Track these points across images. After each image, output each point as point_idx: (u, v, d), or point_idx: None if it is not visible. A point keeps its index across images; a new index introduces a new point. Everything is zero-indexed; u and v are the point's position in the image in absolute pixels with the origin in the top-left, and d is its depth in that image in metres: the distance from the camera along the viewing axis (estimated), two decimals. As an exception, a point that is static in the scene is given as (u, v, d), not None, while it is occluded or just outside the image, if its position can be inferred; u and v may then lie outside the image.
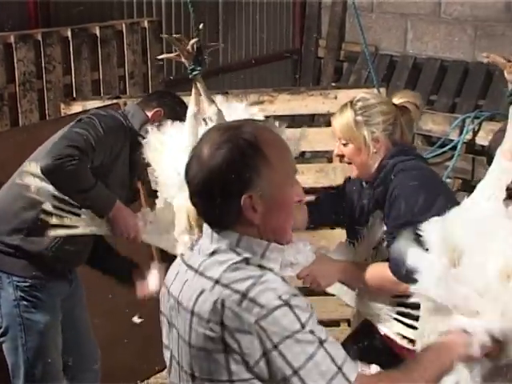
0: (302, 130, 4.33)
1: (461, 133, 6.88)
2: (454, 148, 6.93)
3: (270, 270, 2.45)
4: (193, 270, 2.50)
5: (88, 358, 4.51)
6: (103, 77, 6.79)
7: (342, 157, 3.87)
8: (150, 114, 4.16)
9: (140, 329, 5.37)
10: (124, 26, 6.91)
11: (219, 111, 3.82)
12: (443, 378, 2.59)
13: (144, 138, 4.07)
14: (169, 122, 4.00)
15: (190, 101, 3.86)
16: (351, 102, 3.81)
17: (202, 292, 2.40)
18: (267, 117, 4.51)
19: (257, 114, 4.16)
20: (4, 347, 4.18)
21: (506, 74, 2.81)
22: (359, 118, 3.76)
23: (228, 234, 2.48)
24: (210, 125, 3.73)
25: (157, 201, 4.08)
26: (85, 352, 4.48)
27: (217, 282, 2.38)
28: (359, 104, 3.81)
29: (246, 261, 2.43)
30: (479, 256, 2.68)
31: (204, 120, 3.83)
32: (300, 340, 2.31)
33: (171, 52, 3.93)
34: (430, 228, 2.79)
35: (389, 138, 3.77)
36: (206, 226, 2.55)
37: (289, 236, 2.58)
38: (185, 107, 4.04)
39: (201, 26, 3.85)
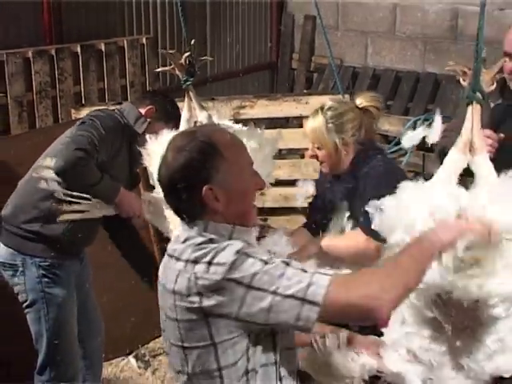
0: (278, 131, 4.32)
1: (413, 133, 6.95)
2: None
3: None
4: (172, 258, 2.52)
5: (94, 326, 4.54)
6: (108, 86, 6.84)
7: (315, 158, 3.88)
8: (143, 110, 4.15)
9: (139, 301, 5.41)
10: (125, 42, 6.97)
11: (209, 116, 3.84)
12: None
13: (138, 132, 4.07)
14: (164, 130, 3.93)
15: (184, 107, 3.86)
16: (322, 109, 3.81)
17: (178, 273, 2.43)
18: (248, 120, 4.53)
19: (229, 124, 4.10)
20: (28, 318, 4.18)
21: (461, 81, 2.85)
22: (330, 126, 3.77)
23: (196, 223, 2.50)
24: None
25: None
26: (92, 321, 4.50)
27: (187, 261, 2.42)
28: (330, 113, 3.81)
29: (211, 241, 2.44)
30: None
31: (195, 123, 3.83)
32: (267, 271, 2.31)
33: (166, 65, 3.94)
34: (390, 203, 2.81)
35: (356, 139, 3.83)
36: (179, 220, 2.59)
37: (253, 219, 2.61)
38: (174, 105, 4.07)
39: (192, 41, 3.89)
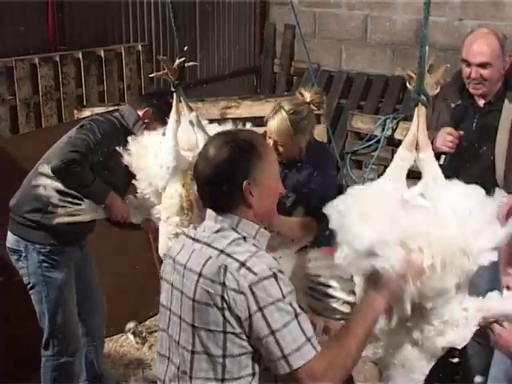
0: (263, 129, 4.35)
1: (383, 130, 6.99)
2: (378, 142, 7.05)
3: (263, 250, 2.50)
4: (200, 243, 2.53)
5: (96, 305, 4.57)
6: (107, 89, 6.83)
7: (275, 151, 3.95)
8: (141, 112, 4.14)
9: (137, 283, 5.41)
10: (123, 49, 6.96)
11: (197, 116, 3.81)
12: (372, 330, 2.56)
13: (136, 135, 4.02)
14: (146, 133, 3.96)
15: (172, 109, 3.80)
16: (284, 111, 3.86)
17: (209, 258, 2.45)
18: (234, 119, 4.54)
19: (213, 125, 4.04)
20: (32, 299, 4.24)
21: (407, 85, 2.86)
22: (296, 129, 3.86)
23: (230, 217, 2.52)
24: (191, 130, 3.79)
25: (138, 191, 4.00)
26: (94, 300, 4.53)
27: (222, 251, 2.44)
28: (294, 117, 3.87)
29: (244, 239, 2.47)
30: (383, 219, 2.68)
31: (191, 123, 3.79)
32: (280, 308, 2.33)
33: (159, 69, 3.94)
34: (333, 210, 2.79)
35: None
36: (209, 211, 2.58)
37: (276, 217, 2.70)
38: (170, 105, 3.97)
39: (185, 48, 3.92)
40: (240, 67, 8.97)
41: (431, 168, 2.85)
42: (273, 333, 2.33)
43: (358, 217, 2.68)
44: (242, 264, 2.37)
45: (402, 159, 2.86)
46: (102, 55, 6.73)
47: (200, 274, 2.45)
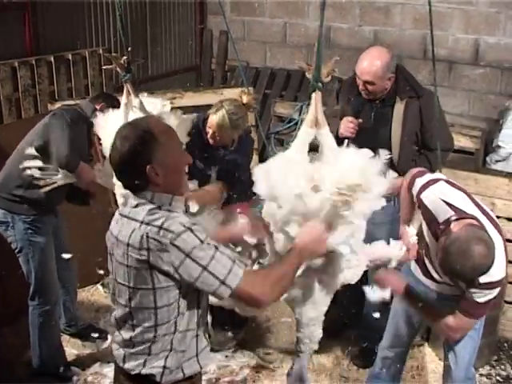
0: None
1: (300, 114, 7.05)
2: (296, 124, 7.07)
3: (177, 212, 2.49)
4: (125, 218, 2.51)
5: (68, 262, 4.54)
6: (74, 85, 6.72)
7: (213, 139, 4.13)
8: (97, 106, 4.21)
9: (102, 244, 5.38)
10: (87, 52, 6.82)
11: (141, 102, 3.90)
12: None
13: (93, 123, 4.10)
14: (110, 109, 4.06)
15: (123, 95, 3.91)
16: (225, 110, 3.98)
17: (133, 230, 2.44)
18: (178, 108, 4.57)
19: (166, 104, 4.22)
20: (20, 261, 4.27)
21: (306, 74, 2.88)
22: (233, 125, 3.98)
23: (144, 194, 2.49)
24: (137, 111, 3.86)
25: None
26: (65, 260, 4.48)
27: (142, 222, 2.43)
28: (232, 116, 3.98)
29: (159, 208, 2.45)
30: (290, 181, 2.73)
31: (133, 107, 3.89)
32: (202, 248, 2.36)
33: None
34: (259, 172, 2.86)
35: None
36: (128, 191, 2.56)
37: (184, 186, 2.62)
38: (118, 102, 4.09)
39: (129, 48, 3.99)
40: (184, 65, 8.89)
41: (328, 140, 2.89)
42: (205, 268, 2.35)
43: (278, 178, 2.73)
44: (160, 227, 2.37)
45: (304, 134, 2.90)
46: (70, 58, 6.62)
47: (128, 245, 2.45)
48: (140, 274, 2.44)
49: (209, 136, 4.19)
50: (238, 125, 4.12)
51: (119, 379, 2.72)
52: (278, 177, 2.76)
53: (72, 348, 4.82)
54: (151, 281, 2.43)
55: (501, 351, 5.04)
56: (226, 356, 4.75)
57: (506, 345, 5.11)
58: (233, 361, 4.73)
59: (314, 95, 2.87)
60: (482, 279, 2.96)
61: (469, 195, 3.23)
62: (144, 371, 2.57)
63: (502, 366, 4.88)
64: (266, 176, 2.81)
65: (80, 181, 4.14)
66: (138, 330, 2.54)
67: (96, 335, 4.90)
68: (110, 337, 4.86)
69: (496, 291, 3.07)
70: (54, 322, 4.43)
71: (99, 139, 4.08)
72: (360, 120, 4.18)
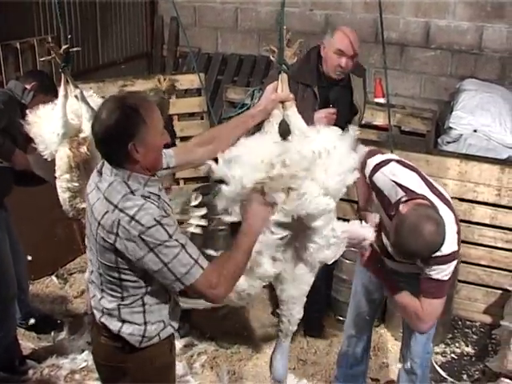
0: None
1: (251, 99, 7.03)
2: (248, 108, 7.02)
3: (153, 193, 2.53)
4: (100, 193, 2.53)
5: (19, 254, 4.55)
6: (22, 75, 6.56)
7: None
8: (28, 86, 4.10)
9: (58, 233, 5.35)
10: (35, 41, 6.72)
11: (81, 91, 3.78)
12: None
13: (26, 104, 4.02)
14: (41, 105, 3.87)
15: (61, 85, 3.75)
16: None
17: (106, 212, 2.47)
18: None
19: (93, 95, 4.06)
20: None
21: (271, 57, 2.92)
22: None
23: (122, 170, 2.51)
24: (78, 101, 3.76)
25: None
26: (17, 251, 4.49)
27: (116, 206, 2.45)
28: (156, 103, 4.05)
29: (133, 193, 2.46)
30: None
31: (76, 97, 3.76)
32: (168, 246, 2.40)
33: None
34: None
35: None
36: (106, 162, 2.57)
37: (160, 163, 2.67)
38: (51, 80, 4.08)
39: (69, 36, 4.00)
40: (135, 53, 8.81)
41: (296, 121, 2.93)
42: (166, 265, 2.41)
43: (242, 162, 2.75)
44: (132, 218, 2.40)
45: (274, 117, 2.92)
46: (18, 47, 6.51)
47: (99, 224, 2.49)
48: (106, 252, 2.51)
49: None
50: (163, 111, 4.15)
51: (96, 333, 2.80)
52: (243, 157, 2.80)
53: (27, 341, 4.77)
54: (115, 261, 2.50)
55: (455, 329, 5.16)
56: (185, 346, 4.75)
57: (460, 323, 5.22)
58: (190, 348, 4.75)
59: (279, 77, 2.92)
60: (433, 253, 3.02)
61: (420, 174, 3.27)
62: (116, 331, 2.66)
63: (457, 344, 4.99)
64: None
65: (15, 166, 4.05)
66: (106, 295, 2.63)
67: (52, 327, 4.86)
68: (65, 328, 4.85)
69: (452, 265, 3.12)
70: (10, 317, 4.39)
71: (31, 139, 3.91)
72: (333, 110, 4.25)
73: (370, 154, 3.44)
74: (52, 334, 4.85)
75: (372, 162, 3.38)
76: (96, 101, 3.93)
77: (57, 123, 3.68)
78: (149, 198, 2.48)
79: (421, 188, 3.16)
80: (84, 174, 3.62)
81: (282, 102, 2.92)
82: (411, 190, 3.12)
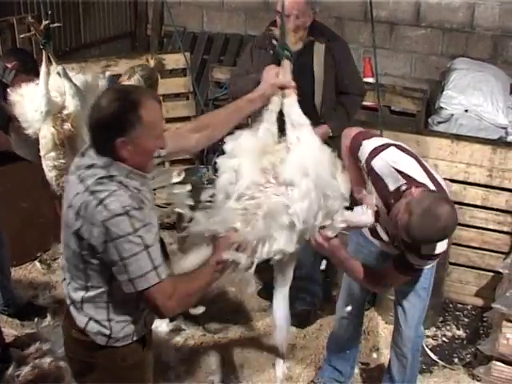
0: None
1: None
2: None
3: (132, 186, 2.42)
4: (76, 176, 2.44)
5: (1, 240, 4.51)
6: (2, 53, 6.45)
7: None
8: (9, 65, 4.06)
9: (40, 218, 5.30)
10: (15, 20, 6.58)
11: (63, 68, 3.76)
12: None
13: (8, 83, 3.98)
14: (23, 84, 3.82)
15: (43, 62, 3.71)
16: (141, 76, 3.99)
17: (77, 193, 2.39)
18: (114, 75, 4.50)
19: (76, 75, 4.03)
20: None
21: (274, 42, 2.94)
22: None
23: (105, 160, 2.43)
24: (60, 77, 3.74)
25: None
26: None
27: (87, 189, 2.36)
28: (147, 81, 4.02)
29: (111, 178, 2.38)
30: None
31: (58, 74, 3.74)
32: (130, 240, 2.31)
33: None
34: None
35: None
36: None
37: (150, 168, 2.56)
38: (32, 58, 4.06)
39: (49, 12, 4.03)
40: (120, 31, 8.73)
41: (292, 112, 2.89)
42: (122, 260, 2.32)
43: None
44: (100, 202, 2.32)
45: (274, 104, 2.88)
46: (-3, 26, 6.39)
47: (70, 205, 2.42)
48: (71, 237, 2.43)
49: None
50: (152, 89, 4.11)
51: (67, 325, 2.71)
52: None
53: (10, 328, 4.72)
54: (79, 246, 2.42)
55: (446, 312, 5.15)
56: (172, 330, 4.73)
57: (451, 306, 5.22)
58: (177, 333, 4.73)
59: (282, 63, 2.87)
60: (425, 251, 3.07)
61: (419, 161, 3.22)
62: (82, 328, 2.59)
63: (448, 327, 4.98)
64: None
65: None
66: (73, 282, 2.55)
67: (35, 314, 4.82)
68: (49, 314, 4.81)
69: (434, 262, 3.25)
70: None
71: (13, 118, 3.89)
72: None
73: (361, 136, 3.36)
74: (35, 320, 4.80)
75: (369, 146, 3.26)
76: (80, 78, 3.90)
77: (39, 101, 3.64)
78: (126, 187, 2.39)
79: (421, 176, 3.12)
80: (69, 152, 3.61)
81: (282, 89, 2.87)
82: (412, 178, 3.08)
